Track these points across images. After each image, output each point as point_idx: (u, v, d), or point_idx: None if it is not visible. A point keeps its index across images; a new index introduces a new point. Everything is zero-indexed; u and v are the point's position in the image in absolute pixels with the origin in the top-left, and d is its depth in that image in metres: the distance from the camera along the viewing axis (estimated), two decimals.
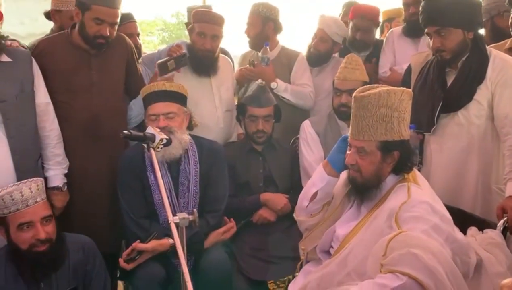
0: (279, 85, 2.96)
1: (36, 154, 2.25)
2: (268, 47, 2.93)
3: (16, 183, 1.95)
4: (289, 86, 3.02)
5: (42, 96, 2.26)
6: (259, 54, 2.94)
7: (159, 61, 2.61)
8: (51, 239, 1.95)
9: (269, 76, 2.94)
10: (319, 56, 3.17)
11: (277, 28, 3.09)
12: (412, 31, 3.10)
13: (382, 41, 3.41)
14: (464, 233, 1.88)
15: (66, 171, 2.35)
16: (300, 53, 3.18)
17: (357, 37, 3.26)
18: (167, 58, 2.59)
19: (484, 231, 1.89)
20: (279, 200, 2.62)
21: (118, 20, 2.39)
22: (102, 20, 2.31)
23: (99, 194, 2.43)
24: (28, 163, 2.19)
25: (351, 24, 3.31)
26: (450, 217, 1.71)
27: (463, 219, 1.97)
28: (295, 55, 3.13)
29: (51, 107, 2.30)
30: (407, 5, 3.08)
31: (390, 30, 3.41)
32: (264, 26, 3.03)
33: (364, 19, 3.24)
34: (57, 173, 2.30)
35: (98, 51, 2.39)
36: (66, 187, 2.32)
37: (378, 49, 3.32)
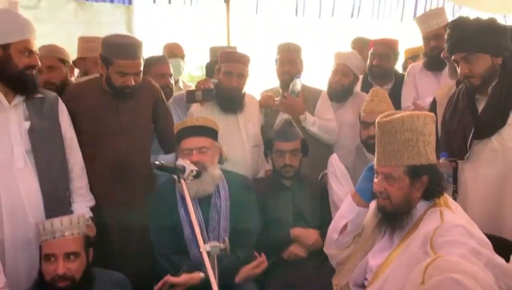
0: (308, 118, 2.99)
1: (64, 185, 2.31)
2: (298, 80, 2.99)
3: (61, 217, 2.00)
4: (317, 120, 3.04)
5: (66, 130, 2.34)
6: (290, 86, 2.98)
7: (188, 89, 2.69)
8: (72, 277, 1.94)
9: (299, 108, 2.98)
10: (344, 91, 3.20)
11: (302, 66, 3.19)
12: (433, 64, 3.10)
13: (403, 76, 3.43)
14: (507, 261, 1.78)
15: (90, 204, 2.38)
16: (322, 90, 3.24)
17: (374, 63, 3.31)
18: (196, 88, 2.68)
19: None
20: (310, 235, 2.57)
21: (142, 68, 2.48)
22: (126, 73, 2.40)
23: (128, 232, 2.45)
24: (57, 193, 2.24)
25: (369, 53, 3.38)
26: (488, 241, 1.64)
27: (505, 247, 1.88)
28: (318, 92, 3.19)
29: (75, 141, 2.37)
30: (428, 39, 3.10)
31: (411, 65, 3.43)
32: (300, 64, 3.15)
33: (381, 46, 3.33)
34: (80, 206, 2.33)
35: (125, 99, 2.48)
36: (90, 221, 2.33)
37: (401, 83, 3.33)
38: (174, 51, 3.75)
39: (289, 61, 3.11)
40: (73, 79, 2.81)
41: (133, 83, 2.42)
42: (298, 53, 3.14)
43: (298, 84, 2.98)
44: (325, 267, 2.29)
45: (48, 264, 1.94)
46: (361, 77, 3.48)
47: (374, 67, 3.35)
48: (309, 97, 3.13)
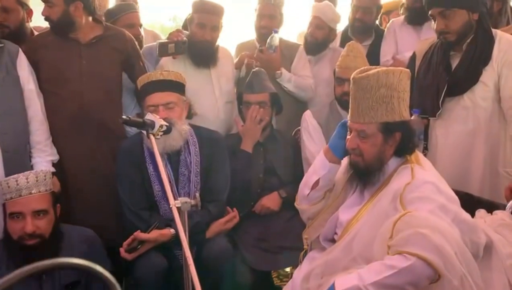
0: (283, 75, 2.93)
1: (25, 137, 2.25)
2: (276, 35, 2.89)
3: (30, 172, 1.94)
4: (293, 77, 2.98)
5: (25, 82, 2.26)
6: (268, 40, 2.88)
7: (160, 41, 2.59)
8: (41, 234, 1.91)
9: (275, 64, 2.90)
10: (317, 44, 3.15)
11: (282, 20, 3.09)
12: (415, 18, 3.05)
13: (384, 30, 3.37)
14: (472, 216, 1.82)
15: (50, 159, 2.32)
16: (300, 45, 3.15)
17: (357, 16, 3.21)
18: (169, 40, 2.57)
19: (494, 212, 1.84)
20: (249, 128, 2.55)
21: None
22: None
23: (94, 186, 2.40)
24: (16, 144, 2.19)
25: (352, 6, 3.28)
26: (456, 197, 1.67)
27: (471, 203, 1.93)
28: (296, 47, 3.11)
29: (34, 93, 2.30)
30: None
31: (392, 20, 3.36)
32: (278, 17, 3.03)
33: None
34: (39, 161, 2.26)
35: (55, 33, 2.40)
36: (52, 176, 2.24)
37: (381, 39, 3.27)
38: None
39: (269, 15, 3.00)
40: (30, 24, 2.64)
41: (44, 13, 2.35)
42: (279, 7, 3.03)
43: (276, 39, 2.89)
44: (296, 221, 2.31)
45: (15, 222, 1.89)
46: (340, 32, 3.42)
47: (356, 21, 3.21)
48: (287, 52, 3.05)
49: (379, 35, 3.32)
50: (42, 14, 2.37)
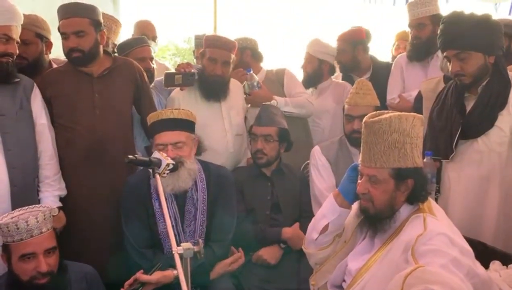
0: (278, 102, 2.97)
1: (34, 172, 2.24)
2: (252, 72, 2.96)
3: (23, 209, 1.91)
4: (288, 99, 3.04)
5: (38, 116, 2.27)
6: (248, 81, 2.95)
7: (167, 72, 2.61)
8: (52, 271, 1.88)
9: (265, 97, 2.94)
10: (309, 77, 3.34)
11: (256, 56, 3.19)
12: (416, 54, 3.06)
13: (383, 64, 3.43)
14: (486, 267, 1.75)
15: (58, 193, 2.30)
16: (285, 68, 3.26)
17: (336, 59, 3.39)
18: (176, 71, 2.58)
19: (509, 266, 1.76)
20: (301, 240, 2.40)
21: (83, 29, 2.31)
22: (64, 33, 2.32)
23: (102, 221, 2.36)
24: (25, 178, 2.17)
25: None
26: (470, 249, 1.60)
27: (484, 253, 1.85)
28: (282, 71, 3.21)
29: (46, 128, 2.30)
30: (412, 27, 3.06)
31: (399, 55, 3.36)
32: (242, 55, 3.11)
33: (339, 41, 3.40)
34: (46, 196, 2.25)
35: (78, 65, 2.38)
36: (58, 211, 2.25)
37: (379, 72, 3.31)
38: (145, 32, 3.49)
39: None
40: (49, 55, 2.65)
41: (73, 44, 2.30)
42: (249, 48, 3.13)
43: (253, 76, 2.95)
44: (304, 262, 2.24)
45: (26, 263, 1.85)
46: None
47: (338, 62, 3.41)
48: (275, 78, 3.16)
49: (377, 68, 3.37)
50: (71, 45, 2.31)
